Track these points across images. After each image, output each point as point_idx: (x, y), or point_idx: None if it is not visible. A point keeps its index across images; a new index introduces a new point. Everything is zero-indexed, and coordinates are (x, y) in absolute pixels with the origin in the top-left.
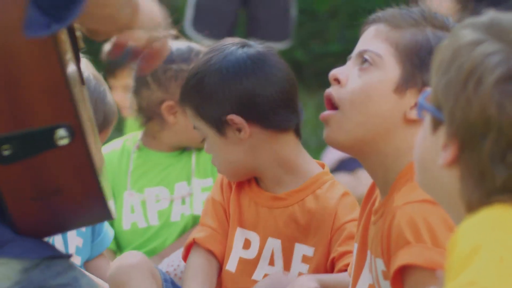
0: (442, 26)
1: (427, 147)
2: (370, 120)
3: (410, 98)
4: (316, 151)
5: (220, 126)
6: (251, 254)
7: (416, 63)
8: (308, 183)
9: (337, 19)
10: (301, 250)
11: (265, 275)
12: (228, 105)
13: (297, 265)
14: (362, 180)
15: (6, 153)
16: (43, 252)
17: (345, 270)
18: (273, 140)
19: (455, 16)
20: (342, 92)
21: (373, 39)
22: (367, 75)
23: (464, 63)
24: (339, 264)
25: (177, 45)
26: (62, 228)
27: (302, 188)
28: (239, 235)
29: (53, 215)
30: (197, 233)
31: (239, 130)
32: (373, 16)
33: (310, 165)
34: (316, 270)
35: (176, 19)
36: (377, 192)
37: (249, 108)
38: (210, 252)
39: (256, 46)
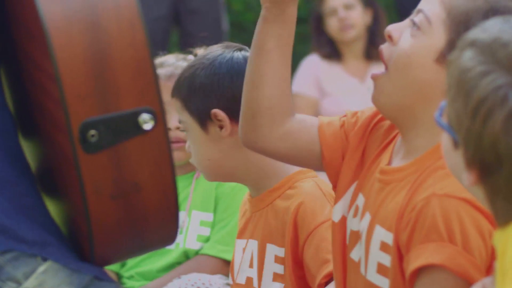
0: None
1: (452, 162)
2: (410, 86)
3: None
4: None
5: (203, 120)
6: (239, 259)
7: (462, 34)
8: (280, 184)
9: None
10: (272, 250)
11: (247, 278)
12: (215, 100)
13: (270, 265)
14: None
15: (92, 139)
16: (92, 269)
17: (326, 283)
18: None
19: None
20: (391, 51)
21: None
22: (415, 39)
23: (471, 93)
24: (318, 279)
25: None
26: (133, 245)
27: (274, 188)
28: (237, 246)
29: (129, 222)
30: None
31: (221, 127)
32: None
33: (286, 166)
34: (291, 271)
35: None
36: (392, 143)
37: (235, 107)
38: None
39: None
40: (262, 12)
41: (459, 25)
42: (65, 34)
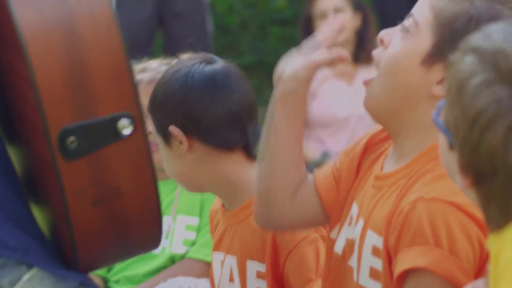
0: None
1: (447, 161)
2: (397, 90)
3: (436, 73)
4: None
5: (165, 136)
6: (218, 273)
7: (447, 37)
8: (253, 199)
9: (248, 32)
10: (253, 266)
11: None
12: (170, 116)
13: (253, 281)
14: None
15: (72, 146)
16: (76, 276)
17: None
18: (217, 158)
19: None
20: (382, 55)
21: (424, 2)
22: (403, 42)
23: (470, 103)
24: None
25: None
26: (117, 250)
27: (247, 204)
28: (215, 259)
29: (111, 227)
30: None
31: (181, 142)
32: None
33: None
34: (269, 286)
35: None
36: (386, 151)
37: (190, 123)
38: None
39: (218, 64)
40: (275, 93)
41: (445, 27)
42: (41, 41)
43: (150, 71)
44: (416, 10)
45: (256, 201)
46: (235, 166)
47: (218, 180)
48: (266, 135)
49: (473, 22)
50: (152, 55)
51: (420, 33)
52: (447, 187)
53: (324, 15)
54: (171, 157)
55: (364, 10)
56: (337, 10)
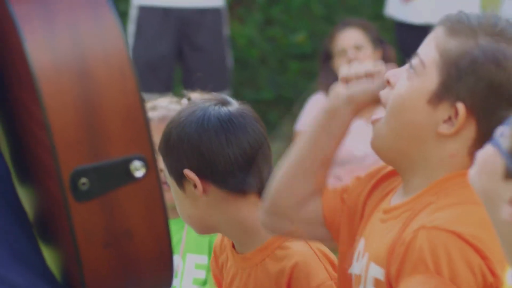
0: (500, 35)
1: (490, 186)
2: (403, 129)
3: (443, 111)
4: None
5: (179, 179)
6: None
7: (453, 75)
8: (268, 242)
9: (267, 66)
10: None
11: None
12: (185, 160)
13: None
14: None
15: (83, 188)
16: None
17: None
18: (231, 202)
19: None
20: (388, 95)
21: (430, 42)
22: (409, 82)
23: None
24: None
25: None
26: None
27: (262, 248)
28: None
29: (122, 269)
30: None
31: (195, 186)
32: (443, 17)
33: None
34: None
35: None
36: (395, 188)
37: (205, 166)
38: None
39: (232, 105)
40: (326, 103)
41: (451, 67)
42: (54, 82)
43: (160, 109)
44: (422, 49)
45: (266, 202)
46: (249, 209)
47: (231, 223)
48: (302, 140)
49: (478, 61)
50: (172, 89)
51: (426, 73)
52: (449, 217)
53: (343, 52)
54: (183, 199)
55: (384, 47)
56: (357, 48)
